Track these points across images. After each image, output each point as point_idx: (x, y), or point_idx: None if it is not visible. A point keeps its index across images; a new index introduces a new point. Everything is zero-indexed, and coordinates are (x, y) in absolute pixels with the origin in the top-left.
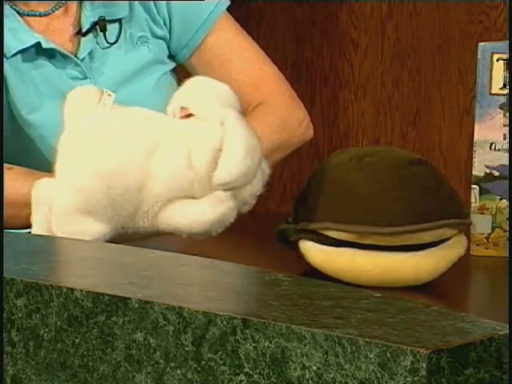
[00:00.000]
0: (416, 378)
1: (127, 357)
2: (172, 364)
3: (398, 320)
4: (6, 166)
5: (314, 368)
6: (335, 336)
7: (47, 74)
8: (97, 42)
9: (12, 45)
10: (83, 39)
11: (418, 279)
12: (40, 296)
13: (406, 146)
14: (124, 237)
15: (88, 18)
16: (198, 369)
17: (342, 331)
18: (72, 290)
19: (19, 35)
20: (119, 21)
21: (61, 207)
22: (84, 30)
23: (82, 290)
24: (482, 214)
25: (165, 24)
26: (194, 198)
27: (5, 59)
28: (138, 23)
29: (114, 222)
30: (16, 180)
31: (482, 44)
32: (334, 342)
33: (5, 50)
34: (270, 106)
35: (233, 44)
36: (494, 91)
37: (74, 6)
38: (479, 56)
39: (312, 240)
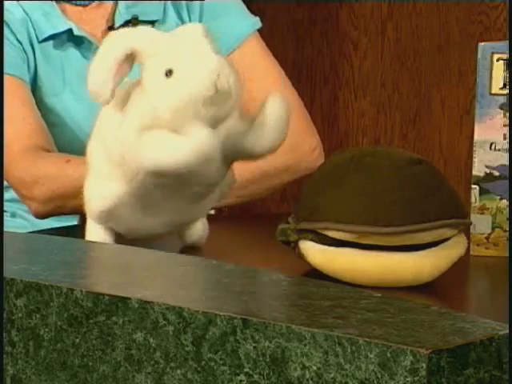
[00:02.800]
0: (416, 378)
1: (127, 357)
2: (172, 364)
3: (398, 320)
4: (64, 157)
5: (314, 368)
6: (335, 336)
7: (74, 62)
8: None
9: (45, 28)
10: None
11: (418, 279)
12: (40, 296)
13: (406, 146)
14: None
15: (122, 15)
16: (198, 369)
17: (342, 331)
18: (72, 290)
19: (52, 20)
20: (152, 23)
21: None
22: (116, 25)
23: (82, 290)
24: (482, 214)
25: None
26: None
27: (36, 43)
28: (170, 28)
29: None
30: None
31: (481, 44)
32: (334, 342)
33: (37, 33)
34: None
35: (257, 64)
36: (494, 91)
37: (109, 1)
38: (479, 56)
39: (312, 240)
